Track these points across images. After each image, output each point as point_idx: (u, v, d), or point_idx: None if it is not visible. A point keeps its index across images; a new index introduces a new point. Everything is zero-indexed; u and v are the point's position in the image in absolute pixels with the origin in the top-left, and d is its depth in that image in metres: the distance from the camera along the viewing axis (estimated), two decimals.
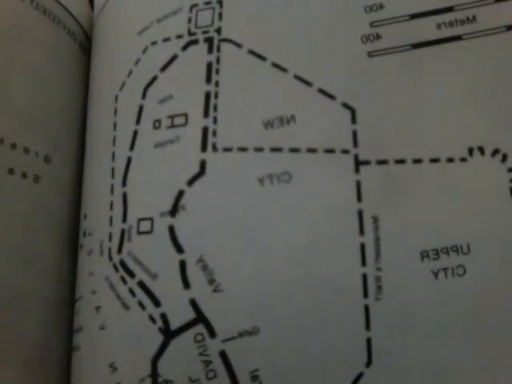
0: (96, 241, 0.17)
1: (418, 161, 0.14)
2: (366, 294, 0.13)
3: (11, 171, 0.17)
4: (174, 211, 0.15)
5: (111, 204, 0.16)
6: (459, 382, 0.13)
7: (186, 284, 0.14)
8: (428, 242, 0.14)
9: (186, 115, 0.16)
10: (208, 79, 0.16)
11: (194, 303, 0.14)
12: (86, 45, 0.21)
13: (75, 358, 0.17)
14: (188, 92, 0.16)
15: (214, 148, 0.15)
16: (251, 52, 0.16)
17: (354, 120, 0.15)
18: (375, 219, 0.14)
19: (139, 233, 0.15)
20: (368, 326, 0.13)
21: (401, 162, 0.14)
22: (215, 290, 0.14)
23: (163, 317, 0.15)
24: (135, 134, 0.16)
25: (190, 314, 0.14)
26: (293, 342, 0.14)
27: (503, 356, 0.13)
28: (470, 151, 0.14)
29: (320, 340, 0.13)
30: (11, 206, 0.17)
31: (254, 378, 0.14)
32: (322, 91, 0.15)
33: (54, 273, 0.18)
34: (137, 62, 0.17)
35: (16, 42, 0.18)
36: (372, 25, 0.15)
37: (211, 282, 0.14)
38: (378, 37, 0.15)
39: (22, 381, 0.16)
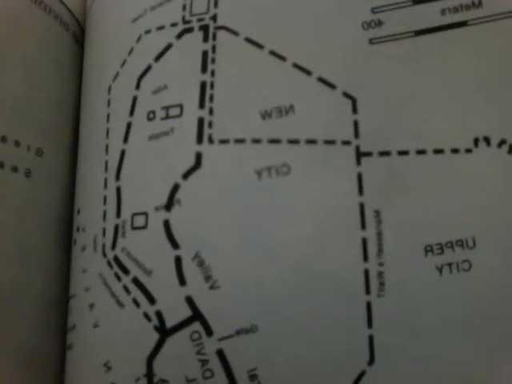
0: (89, 236, 0.16)
1: (421, 152, 0.14)
2: (368, 291, 0.13)
3: (1, 165, 0.16)
4: (169, 205, 0.15)
5: (105, 198, 0.16)
6: (461, 380, 0.12)
7: (182, 281, 0.14)
8: (432, 236, 0.13)
9: (181, 106, 0.15)
10: (203, 68, 0.15)
11: (190, 300, 0.14)
12: (79, 35, 0.21)
13: (69, 357, 0.16)
14: (183, 82, 0.15)
15: (210, 140, 0.15)
16: (248, 40, 0.15)
17: (354, 110, 0.14)
18: (377, 213, 0.13)
19: (133, 228, 0.15)
20: (370, 324, 0.13)
21: (404, 153, 0.14)
22: (212, 287, 0.14)
23: (158, 314, 0.14)
24: (129, 125, 0.16)
25: (186, 312, 0.14)
26: (292, 339, 0.13)
27: (507, 353, 0.12)
28: (476, 142, 0.13)
29: (320, 338, 0.13)
30: (1, 201, 0.16)
31: (253, 377, 0.13)
32: (321, 80, 0.14)
33: (47, 269, 0.17)
34: (130, 51, 0.17)
35: (5, 33, 0.17)
36: (373, 11, 0.15)
37: (208, 278, 0.14)
38: (379, 23, 0.14)
39: (15, 379, 0.16)
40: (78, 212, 0.17)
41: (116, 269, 0.15)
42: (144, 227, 0.15)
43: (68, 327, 0.17)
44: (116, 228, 0.15)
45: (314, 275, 0.13)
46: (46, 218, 0.17)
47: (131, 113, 0.16)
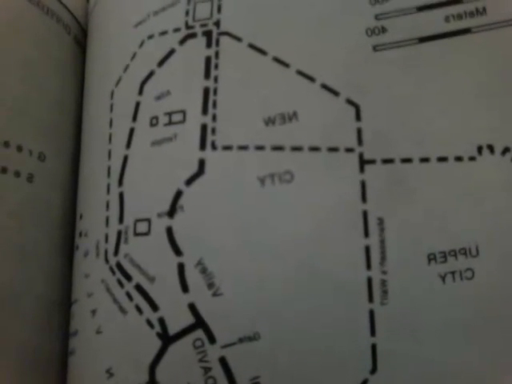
0: (92, 242, 0.16)
1: (425, 160, 0.14)
2: (371, 299, 0.13)
3: (4, 170, 0.16)
4: (171, 212, 0.15)
5: (107, 204, 0.16)
6: None
7: (185, 288, 0.14)
8: (435, 244, 0.13)
9: (183, 112, 0.15)
10: (207, 74, 0.15)
11: (192, 307, 0.14)
12: (81, 39, 0.21)
13: (71, 363, 0.16)
14: (186, 88, 0.15)
15: (214, 146, 0.15)
16: (251, 46, 0.15)
17: (358, 117, 0.14)
18: (380, 220, 0.13)
19: (136, 234, 0.15)
20: (373, 332, 0.13)
21: (407, 160, 0.14)
22: (215, 294, 0.14)
23: (161, 321, 0.14)
24: (132, 131, 0.16)
25: (189, 319, 0.14)
26: (294, 347, 0.13)
27: (509, 360, 0.12)
28: (480, 150, 0.13)
29: (323, 346, 0.13)
30: (4, 205, 0.16)
31: None
32: (325, 87, 0.14)
33: (48, 271, 0.17)
34: (133, 56, 0.17)
35: (5, 35, 0.17)
36: (377, 17, 0.15)
37: (211, 285, 0.14)
38: (383, 30, 0.14)
39: (16, 380, 0.16)
40: (81, 217, 0.17)
41: (119, 275, 0.15)
42: (147, 233, 0.15)
43: (70, 332, 0.17)
44: (119, 234, 0.15)
45: (316, 283, 0.13)
46: (48, 222, 0.17)
47: (134, 118, 0.16)
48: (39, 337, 0.16)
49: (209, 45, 0.15)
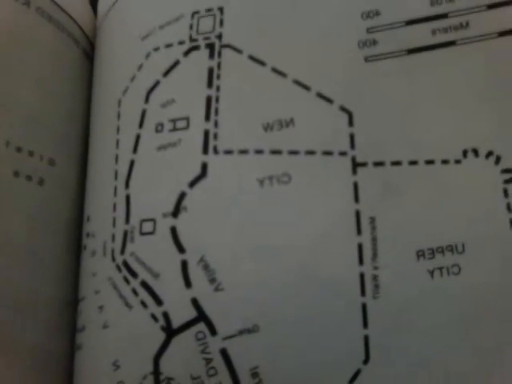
0: (99, 242, 0.17)
1: (413, 163, 0.14)
2: (363, 293, 0.14)
3: (16, 174, 0.17)
4: (175, 212, 0.15)
5: (114, 206, 0.17)
6: (455, 380, 0.13)
7: (188, 283, 0.15)
8: (424, 241, 0.14)
9: (187, 119, 0.16)
10: (209, 84, 0.16)
11: (195, 302, 0.15)
12: (89, 52, 0.22)
13: (78, 357, 0.17)
14: (190, 96, 0.16)
15: (215, 151, 0.16)
16: (251, 57, 0.16)
17: (351, 123, 0.15)
18: (372, 219, 0.14)
19: (142, 233, 0.16)
20: (365, 324, 0.14)
21: (397, 163, 0.14)
22: (216, 289, 0.15)
23: (165, 315, 0.15)
24: (138, 137, 0.17)
25: (192, 313, 0.15)
26: (292, 339, 0.14)
27: (498, 355, 0.13)
28: (465, 153, 0.14)
29: (319, 337, 0.14)
30: (16, 208, 0.17)
31: (254, 375, 0.14)
32: (320, 95, 0.15)
33: (58, 274, 0.18)
34: (140, 67, 0.18)
35: (20, 48, 0.18)
36: (368, 31, 0.16)
37: (212, 281, 0.15)
38: (374, 42, 0.15)
39: (26, 381, 0.16)
40: (88, 219, 0.18)
41: (125, 272, 0.16)
42: (152, 233, 0.16)
43: (77, 329, 0.17)
44: (125, 234, 0.16)
45: (312, 278, 0.14)
46: (58, 224, 0.18)
47: (140, 125, 0.17)
48: (51, 336, 0.17)
49: (211, 56, 0.16)
